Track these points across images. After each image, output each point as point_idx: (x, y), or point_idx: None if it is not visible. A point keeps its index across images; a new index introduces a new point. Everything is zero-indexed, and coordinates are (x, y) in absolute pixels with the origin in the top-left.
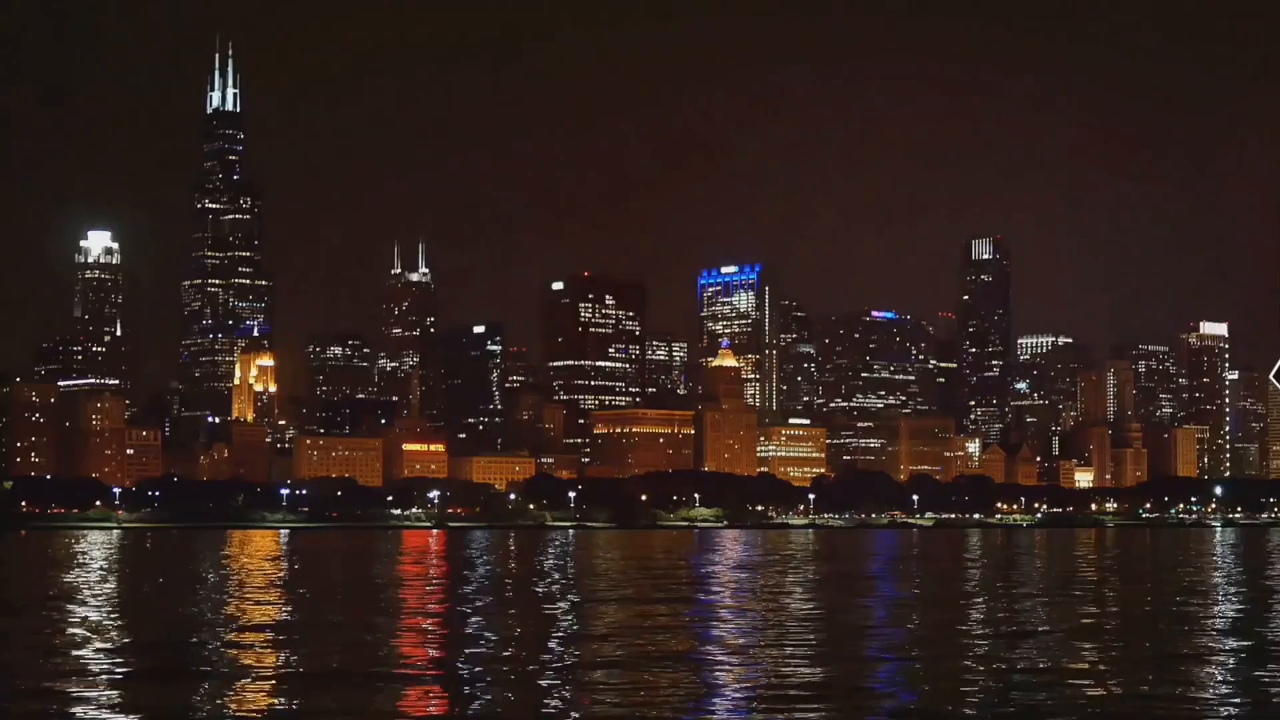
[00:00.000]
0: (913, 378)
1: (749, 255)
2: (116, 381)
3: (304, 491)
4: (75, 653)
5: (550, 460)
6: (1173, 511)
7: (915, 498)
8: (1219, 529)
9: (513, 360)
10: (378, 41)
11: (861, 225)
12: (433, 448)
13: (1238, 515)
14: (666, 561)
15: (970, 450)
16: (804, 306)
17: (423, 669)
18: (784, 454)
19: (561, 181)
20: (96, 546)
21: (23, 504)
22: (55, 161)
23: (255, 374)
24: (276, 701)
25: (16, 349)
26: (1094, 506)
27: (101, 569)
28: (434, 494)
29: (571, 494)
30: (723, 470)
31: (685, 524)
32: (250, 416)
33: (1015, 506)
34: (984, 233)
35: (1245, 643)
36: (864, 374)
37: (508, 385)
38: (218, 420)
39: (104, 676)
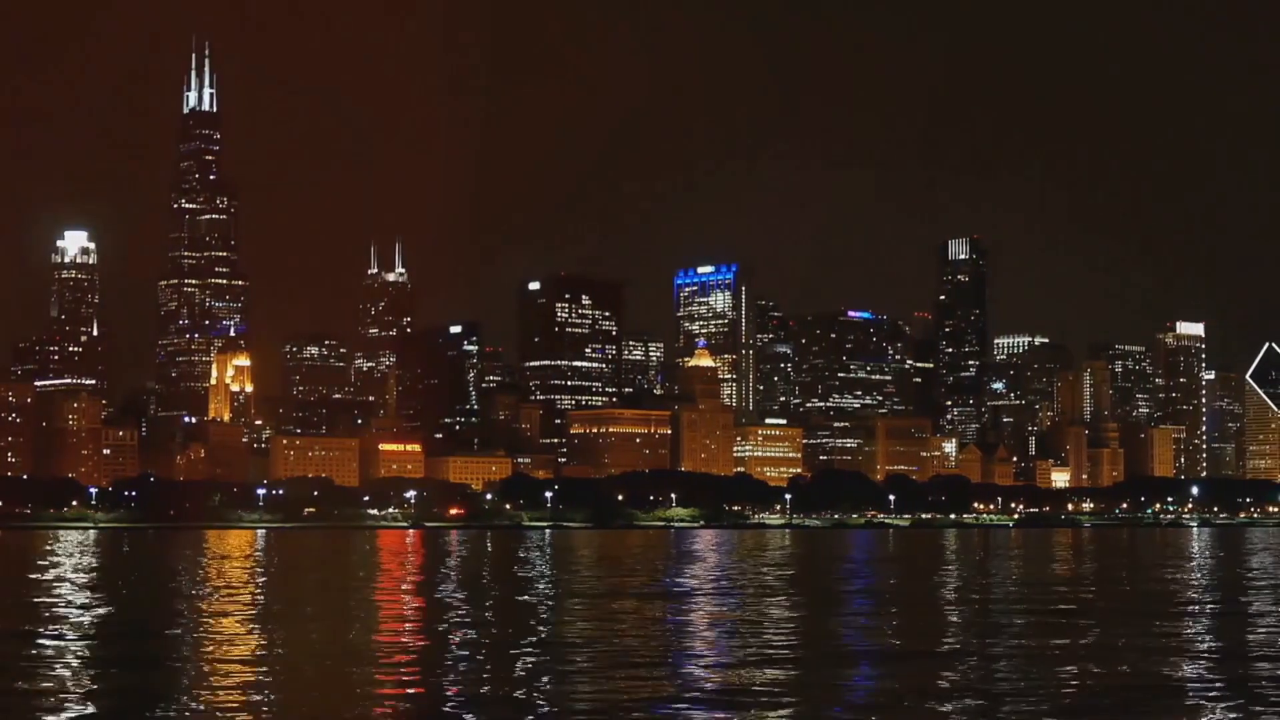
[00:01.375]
0: (889, 378)
1: (725, 255)
2: (93, 381)
3: (280, 491)
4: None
5: (527, 460)
6: (1149, 511)
7: (892, 498)
8: (1195, 529)
9: (489, 360)
10: (355, 42)
11: (838, 225)
12: (409, 448)
13: (1214, 515)
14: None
15: (947, 450)
16: (780, 306)
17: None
18: (760, 454)
19: (538, 182)
20: (72, 546)
21: None
22: (32, 161)
23: (232, 374)
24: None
25: None
26: (1071, 506)
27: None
28: (411, 494)
29: (548, 494)
30: (699, 470)
31: (662, 524)
32: (227, 416)
33: (992, 506)
34: (960, 232)
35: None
36: (840, 374)
37: (484, 385)
38: (194, 420)
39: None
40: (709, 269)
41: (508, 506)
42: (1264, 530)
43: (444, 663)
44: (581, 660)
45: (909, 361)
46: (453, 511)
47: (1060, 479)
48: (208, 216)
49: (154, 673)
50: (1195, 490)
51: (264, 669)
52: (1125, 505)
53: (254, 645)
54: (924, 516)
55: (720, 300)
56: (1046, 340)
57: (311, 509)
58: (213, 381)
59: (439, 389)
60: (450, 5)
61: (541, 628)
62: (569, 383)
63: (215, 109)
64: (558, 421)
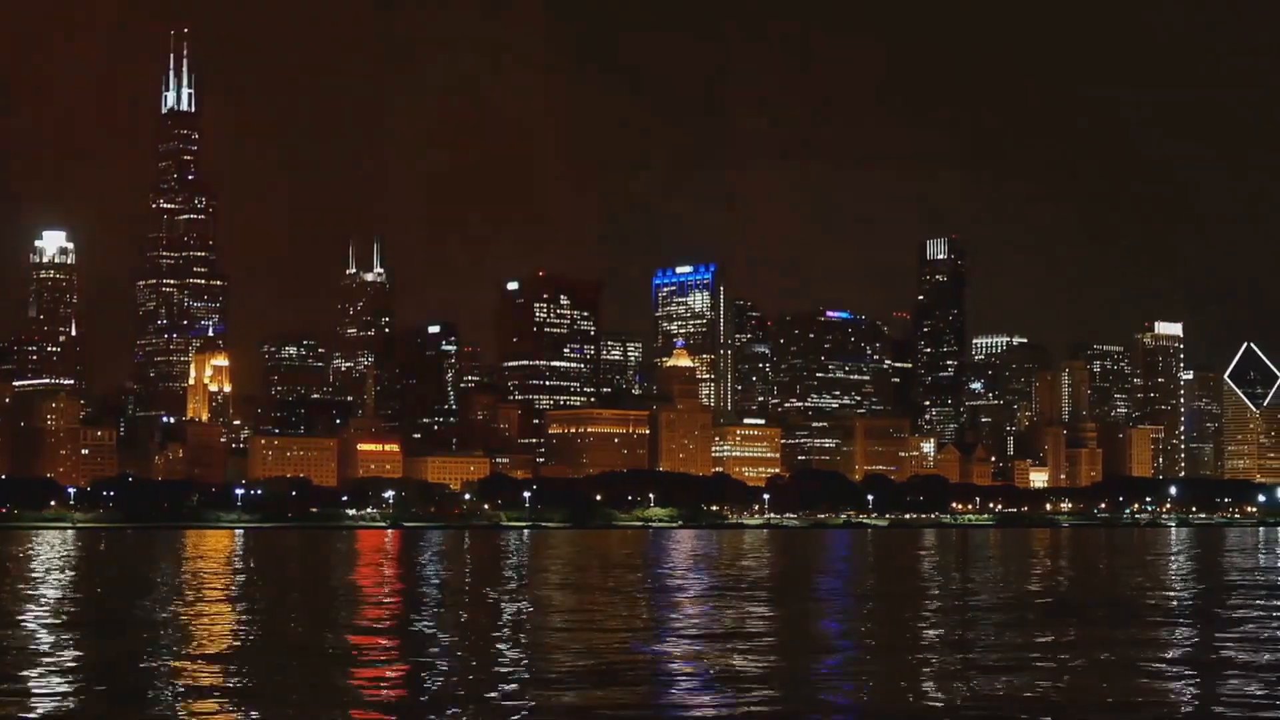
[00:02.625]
0: (868, 378)
1: (704, 255)
2: (71, 381)
3: (259, 492)
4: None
5: (505, 460)
6: (1127, 512)
7: (870, 498)
8: (1174, 529)
9: (468, 360)
10: (334, 41)
11: (816, 225)
12: (387, 448)
13: (1192, 515)
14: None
15: (925, 450)
16: (759, 306)
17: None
18: (739, 454)
19: (517, 181)
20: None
21: None
22: (9, 162)
23: (210, 374)
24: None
25: None
26: (1049, 506)
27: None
28: (389, 494)
29: (526, 494)
30: (678, 470)
31: (640, 524)
32: (205, 416)
33: (970, 506)
34: (939, 233)
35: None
36: (819, 374)
37: (463, 385)
38: (172, 420)
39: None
40: (687, 269)
41: (486, 506)
42: (1241, 530)
43: (425, 667)
44: (561, 662)
45: (887, 361)
46: (428, 511)
47: (1038, 479)
48: (186, 216)
49: (126, 678)
50: (1173, 490)
51: (242, 675)
52: (1104, 505)
53: (232, 649)
54: (902, 516)
55: (698, 300)
56: (1025, 340)
57: (290, 509)
58: (191, 381)
59: (417, 389)
60: (430, 5)
61: (522, 630)
62: (547, 383)
63: (194, 109)
64: (536, 421)
